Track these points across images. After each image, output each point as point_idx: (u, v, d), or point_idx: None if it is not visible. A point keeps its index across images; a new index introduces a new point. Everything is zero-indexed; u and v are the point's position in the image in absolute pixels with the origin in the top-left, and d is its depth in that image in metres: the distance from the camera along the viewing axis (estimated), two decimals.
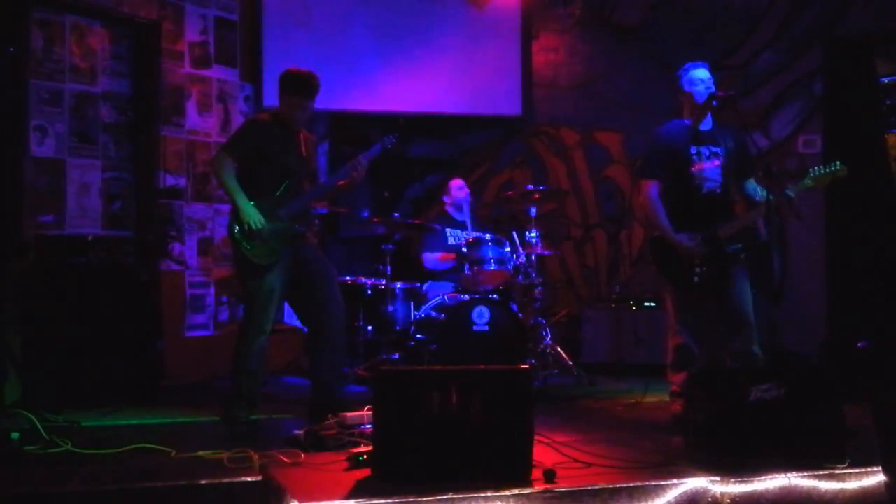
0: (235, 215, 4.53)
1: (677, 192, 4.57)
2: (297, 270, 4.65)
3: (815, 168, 4.50)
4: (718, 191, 4.58)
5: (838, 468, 3.44)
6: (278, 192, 4.58)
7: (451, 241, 6.43)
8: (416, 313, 5.98)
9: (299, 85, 4.59)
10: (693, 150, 4.56)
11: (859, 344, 3.39)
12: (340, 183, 4.73)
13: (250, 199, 4.51)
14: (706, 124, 4.65)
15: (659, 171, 4.61)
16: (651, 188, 4.60)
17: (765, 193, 4.39)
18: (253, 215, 4.47)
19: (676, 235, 4.52)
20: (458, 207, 6.62)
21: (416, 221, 6.34)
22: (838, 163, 4.45)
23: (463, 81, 7.31)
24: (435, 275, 6.39)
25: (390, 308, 6.11)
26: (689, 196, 4.55)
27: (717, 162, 4.57)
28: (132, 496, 3.20)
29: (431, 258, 6.42)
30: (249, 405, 4.61)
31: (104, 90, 5.88)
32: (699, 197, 4.55)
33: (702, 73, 4.59)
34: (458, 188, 6.65)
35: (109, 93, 5.92)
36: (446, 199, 6.69)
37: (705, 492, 3.27)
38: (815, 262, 7.10)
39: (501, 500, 3.04)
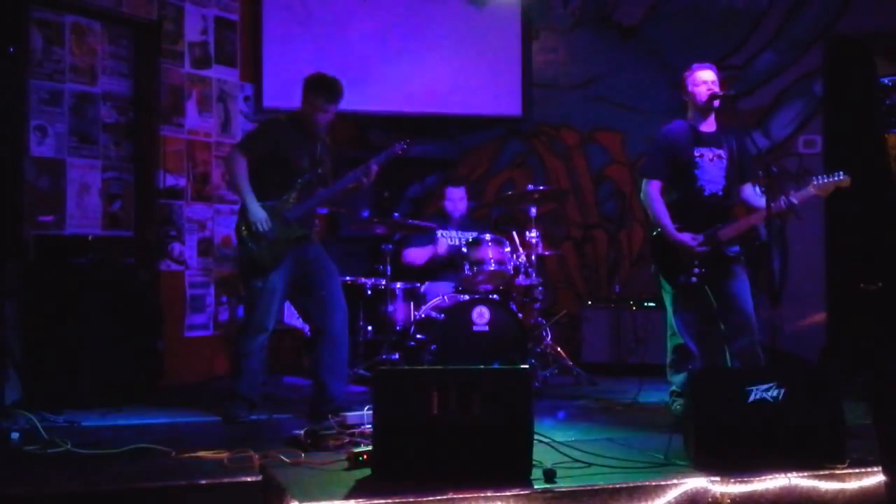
0: (243, 215, 4.54)
1: (680, 193, 4.58)
2: (300, 270, 4.66)
3: (819, 177, 4.49)
4: (721, 193, 4.59)
5: (838, 468, 3.44)
6: (289, 194, 4.59)
7: (441, 240, 6.38)
8: (416, 313, 5.97)
9: (326, 87, 4.62)
10: (697, 152, 4.56)
11: (860, 345, 3.39)
12: (349, 187, 4.75)
13: (261, 199, 4.52)
14: (709, 126, 4.65)
15: (663, 171, 4.61)
16: (653, 187, 4.61)
17: (764, 199, 4.39)
18: (260, 217, 4.48)
19: (678, 235, 4.52)
20: (451, 216, 6.53)
21: (414, 222, 6.33)
22: (842, 173, 4.44)
23: (463, 81, 7.30)
24: (433, 274, 6.36)
25: (390, 308, 6.10)
26: (692, 198, 4.56)
27: (720, 164, 4.57)
28: (132, 496, 3.20)
29: (410, 253, 6.37)
30: (249, 405, 4.62)
31: (104, 90, 5.88)
32: (702, 199, 4.56)
33: (707, 75, 4.59)
34: (452, 200, 6.49)
35: (109, 93, 5.91)
36: (443, 203, 6.65)
37: (705, 492, 3.27)
38: (815, 263, 7.09)
39: (501, 500, 3.04)
